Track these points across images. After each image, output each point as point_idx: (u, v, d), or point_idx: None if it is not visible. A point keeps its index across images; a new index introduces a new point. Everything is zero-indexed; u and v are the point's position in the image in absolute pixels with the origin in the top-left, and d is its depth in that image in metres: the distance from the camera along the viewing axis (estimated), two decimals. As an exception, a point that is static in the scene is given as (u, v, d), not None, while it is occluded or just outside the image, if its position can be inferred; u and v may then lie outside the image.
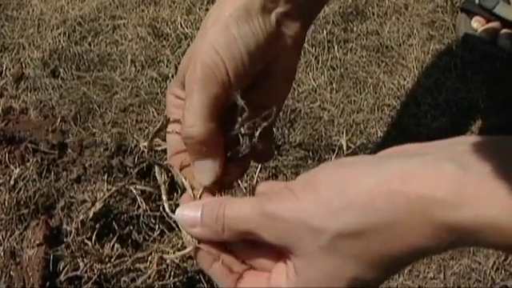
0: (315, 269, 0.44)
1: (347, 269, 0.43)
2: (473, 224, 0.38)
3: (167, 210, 0.56)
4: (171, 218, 0.56)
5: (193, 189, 0.55)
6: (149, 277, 0.88)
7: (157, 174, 0.59)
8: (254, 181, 1.10)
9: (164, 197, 0.58)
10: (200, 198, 0.54)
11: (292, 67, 0.61)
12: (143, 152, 1.10)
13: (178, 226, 0.54)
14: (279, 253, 0.48)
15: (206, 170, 0.54)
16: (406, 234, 0.40)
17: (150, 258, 0.96)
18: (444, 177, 0.39)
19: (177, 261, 0.98)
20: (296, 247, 0.44)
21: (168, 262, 0.98)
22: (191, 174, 0.55)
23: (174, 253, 0.59)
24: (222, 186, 0.55)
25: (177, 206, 0.56)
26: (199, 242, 0.50)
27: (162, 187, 0.58)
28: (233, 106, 0.56)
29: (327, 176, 0.44)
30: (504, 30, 1.46)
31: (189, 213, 0.50)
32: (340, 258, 0.43)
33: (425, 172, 0.40)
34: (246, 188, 1.07)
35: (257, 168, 1.03)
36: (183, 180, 0.56)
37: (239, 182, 1.08)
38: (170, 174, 0.59)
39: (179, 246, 0.98)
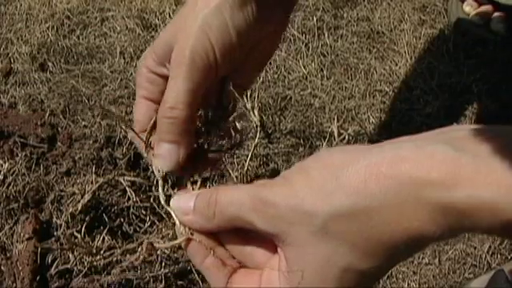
0: (306, 258, 0.43)
1: (340, 256, 0.42)
2: (469, 205, 0.37)
3: (162, 201, 0.56)
4: (163, 209, 0.55)
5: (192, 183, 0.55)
6: (136, 259, 0.87)
7: (154, 168, 0.57)
8: (245, 169, 1.10)
9: (160, 188, 0.57)
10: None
11: (270, 53, 0.62)
12: (132, 143, 1.09)
13: (170, 218, 0.54)
14: (272, 247, 0.47)
15: (168, 155, 0.53)
16: (398, 218, 0.39)
17: (139, 249, 0.96)
18: (437, 158, 0.38)
19: (167, 251, 0.98)
20: (286, 234, 0.43)
21: (158, 252, 0.98)
22: None
23: (165, 242, 0.58)
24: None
25: (168, 197, 0.56)
26: (192, 234, 0.49)
27: (160, 180, 0.57)
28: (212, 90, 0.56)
29: (319, 162, 0.44)
30: (496, 14, 1.44)
31: (183, 202, 0.50)
32: (332, 244, 0.41)
33: (416, 155, 0.39)
34: (236, 177, 1.06)
35: (247, 156, 1.02)
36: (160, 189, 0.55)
37: (230, 171, 1.07)
38: None
39: (170, 236, 0.98)
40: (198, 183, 0.54)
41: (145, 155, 0.58)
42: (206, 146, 0.56)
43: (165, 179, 0.56)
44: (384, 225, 0.40)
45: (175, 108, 0.51)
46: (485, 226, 0.38)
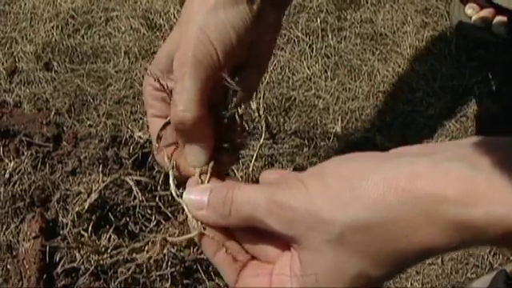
0: (321, 262, 0.44)
1: (353, 264, 0.43)
2: (485, 222, 0.38)
3: (174, 193, 0.56)
4: (168, 208, 0.56)
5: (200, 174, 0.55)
6: (149, 258, 0.88)
7: (166, 159, 0.57)
8: (250, 169, 1.10)
9: (171, 181, 0.57)
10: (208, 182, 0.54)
11: (268, 53, 0.63)
12: (138, 143, 1.10)
13: (177, 216, 0.54)
14: (284, 244, 0.47)
15: (197, 153, 0.54)
16: (413, 233, 0.40)
17: (146, 248, 0.96)
18: (452, 176, 0.39)
19: (174, 250, 0.98)
20: (303, 239, 0.44)
21: (165, 251, 0.98)
22: (183, 158, 0.56)
23: (177, 236, 0.59)
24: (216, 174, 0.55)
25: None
26: (205, 228, 0.49)
27: (171, 172, 0.57)
28: (217, 91, 0.56)
29: (336, 169, 0.44)
30: (498, 17, 1.45)
31: (196, 195, 0.50)
32: (346, 253, 0.42)
33: (432, 171, 0.40)
34: (241, 177, 1.07)
35: (252, 157, 1.02)
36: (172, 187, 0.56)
37: (235, 171, 1.08)
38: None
39: (181, 231, 0.98)
40: (208, 175, 0.54)
41: (156, 156, 0.58)
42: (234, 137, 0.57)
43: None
44: (400, 237, 0.41)
45: (186, 110, 0.52)
46: (499, 240, 0.39)
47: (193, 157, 0.54)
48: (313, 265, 0.44)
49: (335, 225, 0.42)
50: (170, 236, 0.60)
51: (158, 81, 0.55)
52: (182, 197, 0.52)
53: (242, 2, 0.54)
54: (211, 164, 0.54)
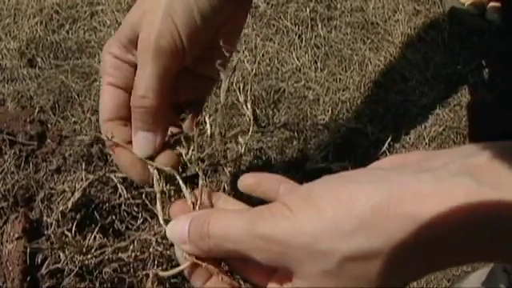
0: None
1: None
2: (492, 239, 0.37)
3: (161, 222, 0.54)
4: (155, 205, 0.55)
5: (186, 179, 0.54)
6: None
7: (155, 181, 0.55)
8: (238, 164, 1.08)
9: (159, 207, 0.55)
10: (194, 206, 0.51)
11: (236, 37, 0.62)
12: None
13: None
14: (274, 270, 0.45)
15: (145, 143, 0.53)
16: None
17: (131, 247, 0.94)
18: (458, 194, 0.37)
19: (160, 248, 0.96)
20: (296, 270, 0.41)
21: (151, 249, 0.96)
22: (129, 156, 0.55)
23: (168, 269, 0.57)
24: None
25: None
26: (197, 258, 0.46)
27: (158, 196, 0.55)
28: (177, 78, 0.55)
29: (330, 192, 0.40)
30: (491, 4, 1.43)
31: (178, 228, 0.47)
32: (345, 281, 0.39)
33: (437, 190, 0.37)
34: (230, 172, 1.04)
35: (237, 152, 1.00)
36: (184, 190, 0.53)
37: (224, 167, 1.05)
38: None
39: (162, 233, 0.96)
40: (196, 192, 0.51)
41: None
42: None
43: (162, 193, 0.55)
44: (403, 263, 0.38)
45: (146, 97, 0.51)
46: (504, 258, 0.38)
47: (141, 145, 0.53)
48: None
49: (334, 256, 0.39)
50: (161, 271, 0.58)
51: None
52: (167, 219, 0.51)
53: None
54: (200, 186, 0.52)
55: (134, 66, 0.54)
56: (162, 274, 0.53)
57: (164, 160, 0.55)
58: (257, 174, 0.53)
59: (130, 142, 0.55)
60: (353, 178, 0.41)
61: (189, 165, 0.56)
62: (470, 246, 0.37)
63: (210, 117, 0.57)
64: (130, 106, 0.55)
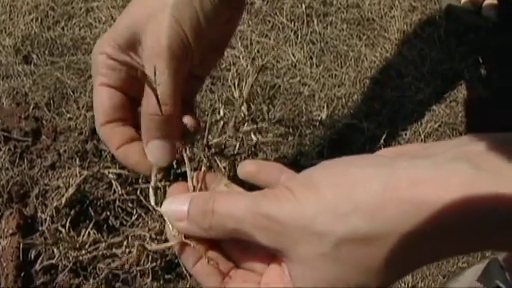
0: (313, 276, 0.40)
1: (350, 277, 0.40)
2: (490, 225, 0.36)
3: (152, 202, 0.53)
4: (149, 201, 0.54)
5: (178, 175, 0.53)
6: (126, 262, 0.85)
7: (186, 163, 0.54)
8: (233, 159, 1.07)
9: (151, 189, 0.54)
10: (194, 190, 0.50)
11: (229, 36, 0.61)
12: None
13: (161, 216, 0.52)
14: (271, 255, 0.44)
15: (164, 152, 0.52)
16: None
17: (125, 242, 0.93)
18: (456, 178, 0.37)
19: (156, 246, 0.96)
20: (292, 252, 0.40)
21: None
22: (138, 152, 0.53)
23: (157, 244, 0.56)
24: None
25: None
26: (185, 237, 0.46)
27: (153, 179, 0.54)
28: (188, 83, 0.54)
29: (330, 176, 0.41)
30: (488, 1, 1.43)
31: (176, 206, 0.46)
32: (342, 266, 0.39)
33: (434, 175, 0.37)
34: (225, 167, 1.04)
35: (235, 147, 1.00)
36: (188, 172, 0.52)
37: (218, 161, 1.05)
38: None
39: (157, 229, 0.95)
40: (194, 178, 0.50)
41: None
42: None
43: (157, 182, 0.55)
44: (401, 249, 0.38)
45: (165, 105, 0.49)
46: (504, 245, 0.38)
47: (159, 154, 0.51)
48: (304, 279, 0.41)
49: (330, 238, 0.38)
50: (148, 243, 0.57)
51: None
52: (161, 205, 0.49)
53: None
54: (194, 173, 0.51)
55: (129, 67, 0.53)
56: (148, 247, 0.52)
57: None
58: (257, 161, 0.52)
59: (134, 140, 0.54)
60: (351, 163, 0.41)
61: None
62: (468, 232, 0.37)
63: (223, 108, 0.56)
64: (127, 107, 0.54)
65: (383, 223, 0.37)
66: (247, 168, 0.50)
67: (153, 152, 0.52)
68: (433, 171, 0.38)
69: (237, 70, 1.14)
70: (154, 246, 0.51)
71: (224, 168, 1.05)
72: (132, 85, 0.54)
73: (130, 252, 0.90)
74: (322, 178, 0.41)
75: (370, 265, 0.39)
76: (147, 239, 0.94)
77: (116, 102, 0.54)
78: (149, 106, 0.50)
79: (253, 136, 0.89)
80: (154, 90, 0.48)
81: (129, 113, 0.55)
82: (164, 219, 0.48)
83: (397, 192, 0.37)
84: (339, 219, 0.38)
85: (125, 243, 0.91)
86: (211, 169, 0.56)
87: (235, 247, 0.46)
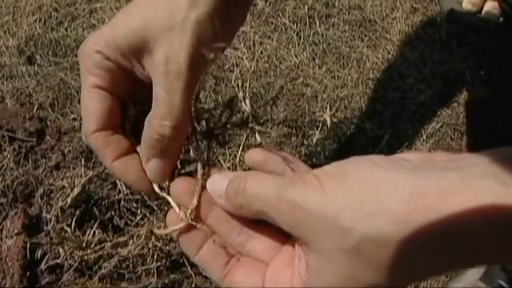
0: (331, 269, 0.40)
1: (367, 275, 0.39)
2: None
3: (156, 188, 0.52)
4: (154, 201, 0.53)
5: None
6: (135, 248, 0.85)
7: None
8: (237, 159, 1.08)
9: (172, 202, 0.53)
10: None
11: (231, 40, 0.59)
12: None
13: (161, 210, 0.51)
14: (280, 242, 0.45)
15: (161, 170, 0.49)
16: None
17: (130, 242, 0.94)
18: (484, 193, 0.36)
19: (160, 244, 0.96)
20: (312, 242, 0.40)
21: (150, 245, 0.96)
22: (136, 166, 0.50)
23: (164, 228, 0.55)
24: None
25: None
26: (192, 220, 0.46)
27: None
28: None
29: (359, 172, 0.40)
30: (489, 2, 1.44)
31: (218, 183, 0.46)
32: (361, 263, 0.39)
33: (463, 189, 0.37)
34: (228, 168, 1.04)
35: (239, 147, 1.00)
36: (199, 170, 0.51)
37: (222, 162, 1.06)
38: None
39: (161, 228, 0.96)
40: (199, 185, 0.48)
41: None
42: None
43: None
44: (423, 257, 0.38)
45: (177, 128, 0.47)
46: None
47: (158, 172, 0.49)
48: (321, 270, 0.41)
49: (353, 235, 0.38)
50: (156, 228, 0.56)
51: None
52: (166, 192, 0.50)
53: (233, 9, 0.49)
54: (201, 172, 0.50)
55: (124, 70, 0.49)
56: (156, 231, 0.51)
57: None
58: (264, 151, 0.51)
59: (128, 153, 0.50)
60: (381, 164, 0.41)
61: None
62: (490, 246, 0.37)
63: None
64: (118, 113, 0.51)
65: (408, 229, 0.37)
66: (254, 157, 0.49)
67: (154, 170, 0.49)
68: (461, 185, 0.37)
69: (240, 71, 1.15)
70: (161, 231, 0.51)
71: (228, 168, 1.06)
72: (125, 89, 0.51)
73: (138, 236, 0.90)
74: (351, 172, 0.40)
75: (388, 266, 0.38)
76: (152, 239, 0.95)
77: (110, 107, 0.49)
78: (157, 124, 0.47)
79: (257, 137, 0.89)
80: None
81: (120, 119, 0.51)
82: (169, 204, 0.49)
83: (424, 200, 0.37)
84: (364, 218, 0.38)
85: (130, 242, 0.91)
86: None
87: (244, 233, 0.46)
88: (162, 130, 0.47)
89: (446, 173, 0.39)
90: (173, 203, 0.48)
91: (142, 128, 0.50)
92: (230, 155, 1.05)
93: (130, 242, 0.92)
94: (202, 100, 1.14)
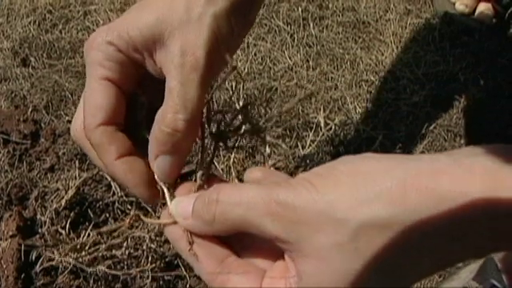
0: (326, 270, 0.39)
1: (366, 270, 0.38)
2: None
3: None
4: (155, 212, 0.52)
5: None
6: (119, 227, 0.84)
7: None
8: (231, 161, 1.08)
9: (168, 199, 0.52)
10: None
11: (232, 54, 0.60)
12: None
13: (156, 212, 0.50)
14: (274, 255, 0.42)
15: (171, 167, 0.47)
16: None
17: (125, 244, 0.94)
18: (476, 171, 0.37)
19: (154, 245, 0.96)
20: (307, 244, 0.38)
21: (144, 247, 0.96)
22: (143, 171, 0.47)
23: (162, 265, 0.54)
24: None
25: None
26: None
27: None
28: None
29: (350, 167, 0.39)
30: (482, 3, 1.44)
31: (184, 204, 0.44)
32: (359, 256, 0.38)
33: (455, 168, 0.37)
34: (222, 169, 1.05)
35: (233, 148, 1.00)
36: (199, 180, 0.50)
37: (216, 164, 1.06)
38: None
39: (156, 230, 0.96)
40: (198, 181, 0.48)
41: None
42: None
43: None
44: (421, 238, 0.37)
45: (190, 121, 0.45)
46: None
47: (166, 170, 0.47)
48: (316, 276, 0.39)
49: (349, 224, 0.37)
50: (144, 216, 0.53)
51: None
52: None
53: (247, 10, 0.50)
54: (199, 174, 0.48)
55: (135, 64, 0.48)
56: (143, 217, 0.50)
57: None
58: (264, 168, 0.51)
59: (132, 154, 0.48)
60: (372, 155, 0.41)
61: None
62: (487, 228, 0.37)
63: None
64: (123, 109, 0.49)
65: (404, 210, 0.36)
66: (254, 174, 0.49)
67: (162, 167, 0.47)
68: (453, 165, 0.38)
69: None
70: (147, 219, 0.50)
71: (222, 170, 1.06)
72: (134, 84, 0.49)
73: (122, 220, 0.90)
74: (342, 168, 0.40)
75: (386, 257, 0.37)
76: (147, 241, 0.95)
77: (118, 100, 0.48)
78: (171, 118, 0.45)
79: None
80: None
81: (123, 117, 0.49)
82: (164, 205, 0.47)
83: (419, 180, 0.37)
84: (360, 206, 0.37)
85: (124, 245, 0.92)
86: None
87: (237, 244, 0.44)
88: (175, 124, 0.45)
89: (438, 156, 0.39)
90: (176, 219, 0.46)
91: (146, 126, 0.48)
92: (224, 157, 1.05)
93: (125, 244, 0.92)
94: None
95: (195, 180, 0.49)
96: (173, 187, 0.48)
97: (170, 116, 0.45)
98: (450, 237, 0.37)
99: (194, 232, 0.43)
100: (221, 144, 0.51)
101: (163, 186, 0.47)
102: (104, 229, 0.88)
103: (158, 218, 0.47)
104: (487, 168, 0.37)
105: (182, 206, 0.44)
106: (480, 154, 0.38)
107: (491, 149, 0.39)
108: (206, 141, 0.50)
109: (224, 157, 1.05)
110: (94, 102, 0.47)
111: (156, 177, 0.47)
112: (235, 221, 0.40)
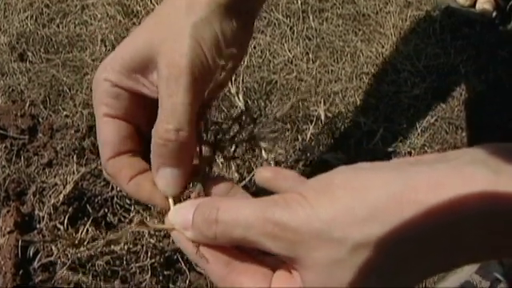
0: (329, 282, 0.39)
1: (363, 283, 0.38)
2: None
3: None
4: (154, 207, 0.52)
5: None
6: (125, 233, 0.84)
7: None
8: (230, 155, 1.07)
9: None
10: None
11: (237, 64, 0.59)
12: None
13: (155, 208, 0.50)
14: (280, 261, 0.42)
15: (172, 179, 0.48)
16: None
17: (124, 239, 0.94)
18: (476, 184, 0.36)
19: (153, 241, 0.96)
20: (305, 259, 0.39)
21: (144, 242, 0.96)
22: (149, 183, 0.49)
23: (161, 261, 0.54)
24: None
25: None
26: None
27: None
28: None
29: (345, 181, 0.39)
30: (483, -5, 1.43)
31: (182, 213, 0.44)
32: (358, 272, 0.38)
33: (454, 179, 0.36)
34: (222, 163, 1.04)
35: (231, 159, 0.99)
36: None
37: (216, 157, 1.05)
38: None
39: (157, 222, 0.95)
40: (198, 186, 0.48)
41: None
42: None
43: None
44: (419, 251, 0.37)
45: (181, 130, 0.46)
46: None
47: (168, 183, 0.48)
48: (317, 284, 0.39)
49: (347, 244, 0.37)
50: (150, 221, 0.55)
51: None
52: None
53: (233, 17, 0.50)
54: (199, 186, 0.48)
55: (133, 94, 0.50)
56: (147, 222, 0.50)
57: None
58: (274, 167, 0.51)
59: (145, 171, 0.50)
60: (368, 166, 0.40)
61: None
62: (487, 237, 0.37)
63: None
64: (134, 137, 0.51)
65: (400, 225, 0.36)
66: (264, 173, 0.49)
67: (163, 180, 0.48)
68: (452, 174, 0.37)
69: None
70: (151, 224, 0.50)
71: (221, 164, 1.05)
72: (137, 113, 0.51)
73: (128, 250, 0.90)
74: (336, 183, 0.39)
75: (386, 272, 0.38)
76: (146, 236, 0.94)
77: (123, 133, 0.50)
78: (161, 129, 0.47)
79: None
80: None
81: (137, 143, 0.51)
82: (161, 210, 0.47)
83: (415, 195, 0.36)
84: (356, 224, 0.37)
85: (123, 240, 0.91)
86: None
87: (239, 257, 0.44)
88: (167, 134, 0.46)
89: (436, 165, 0.38)
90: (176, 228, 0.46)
91: None
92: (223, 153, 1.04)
93: (124, 240, 0.92)
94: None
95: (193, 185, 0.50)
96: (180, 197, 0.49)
97: (160, 127, 0.46)
98: (449, 250, 0.37)
99: (195, 241, 0.44)
100: (218, 153, 0.52)
101: (169, 198, 0.48)
102: (111, 236, 0.88)
103: (163, 222, 0.48)
104: (486, 177, 0.36)
105: (181, 215, 0.44)
106: (481, 162, 0.37)
107: (493, 150, 0.38)
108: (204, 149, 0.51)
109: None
110: (102, 139, 0.50)
111: (162, 188, 0.48)
112: (237, 239, 0.41)
